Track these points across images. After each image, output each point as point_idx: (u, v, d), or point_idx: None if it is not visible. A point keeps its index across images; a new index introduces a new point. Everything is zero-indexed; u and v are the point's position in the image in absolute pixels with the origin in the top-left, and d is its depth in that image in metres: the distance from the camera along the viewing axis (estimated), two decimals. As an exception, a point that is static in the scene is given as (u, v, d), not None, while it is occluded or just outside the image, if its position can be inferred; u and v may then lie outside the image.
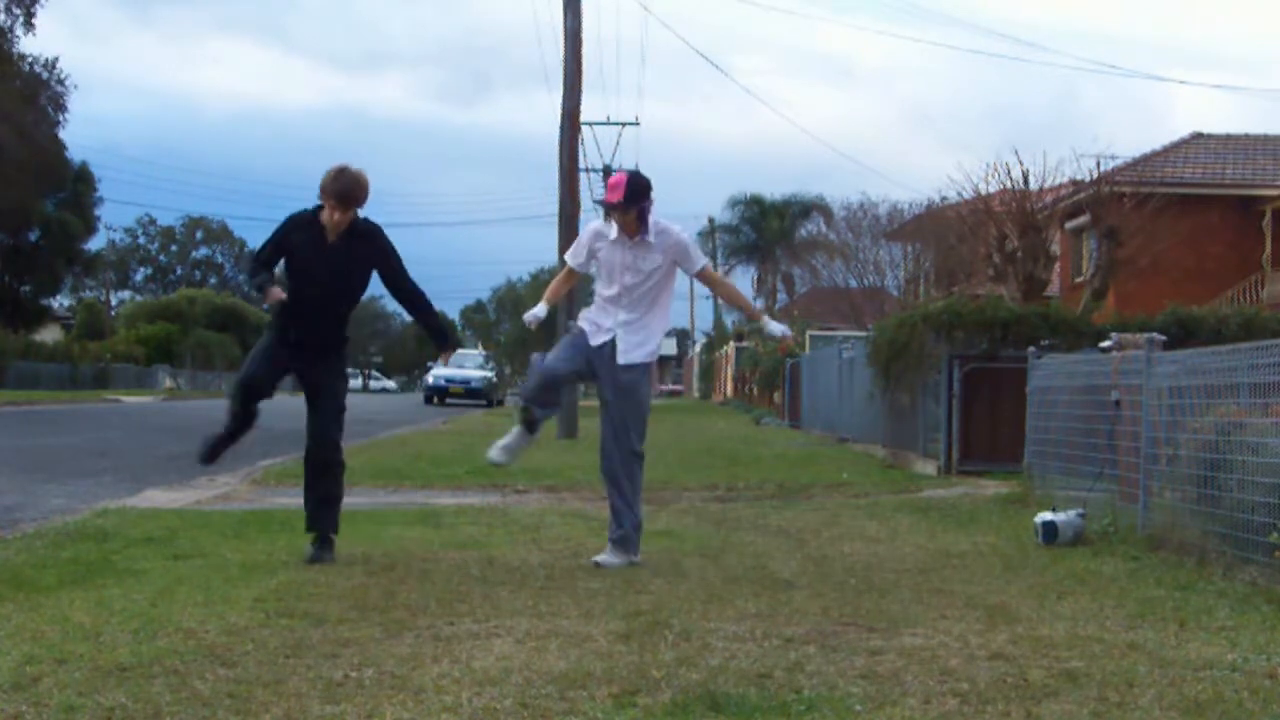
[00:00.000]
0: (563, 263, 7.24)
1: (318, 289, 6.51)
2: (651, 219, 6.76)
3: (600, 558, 6.58)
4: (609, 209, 6.75)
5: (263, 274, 6.58)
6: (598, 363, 6.75)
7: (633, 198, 6.65)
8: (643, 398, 6.81)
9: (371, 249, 6.59)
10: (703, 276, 7.13)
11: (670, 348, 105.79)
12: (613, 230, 6.79)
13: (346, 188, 6.38)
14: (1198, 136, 30.72)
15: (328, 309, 6.61)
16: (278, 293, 6.50)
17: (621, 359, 6.72)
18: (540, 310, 7.04)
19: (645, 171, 7.17)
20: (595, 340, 6.77)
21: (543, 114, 66.66)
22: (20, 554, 6.46)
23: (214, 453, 6.90)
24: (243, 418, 6.74)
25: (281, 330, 6.65)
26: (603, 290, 6.89)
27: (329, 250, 6.48)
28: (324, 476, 6.62)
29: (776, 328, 7.53)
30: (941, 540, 7.78)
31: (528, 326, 7.30)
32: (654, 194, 6.78)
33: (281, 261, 6.64)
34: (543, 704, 3.73)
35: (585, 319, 6.88)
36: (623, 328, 6.74)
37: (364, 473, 11.50)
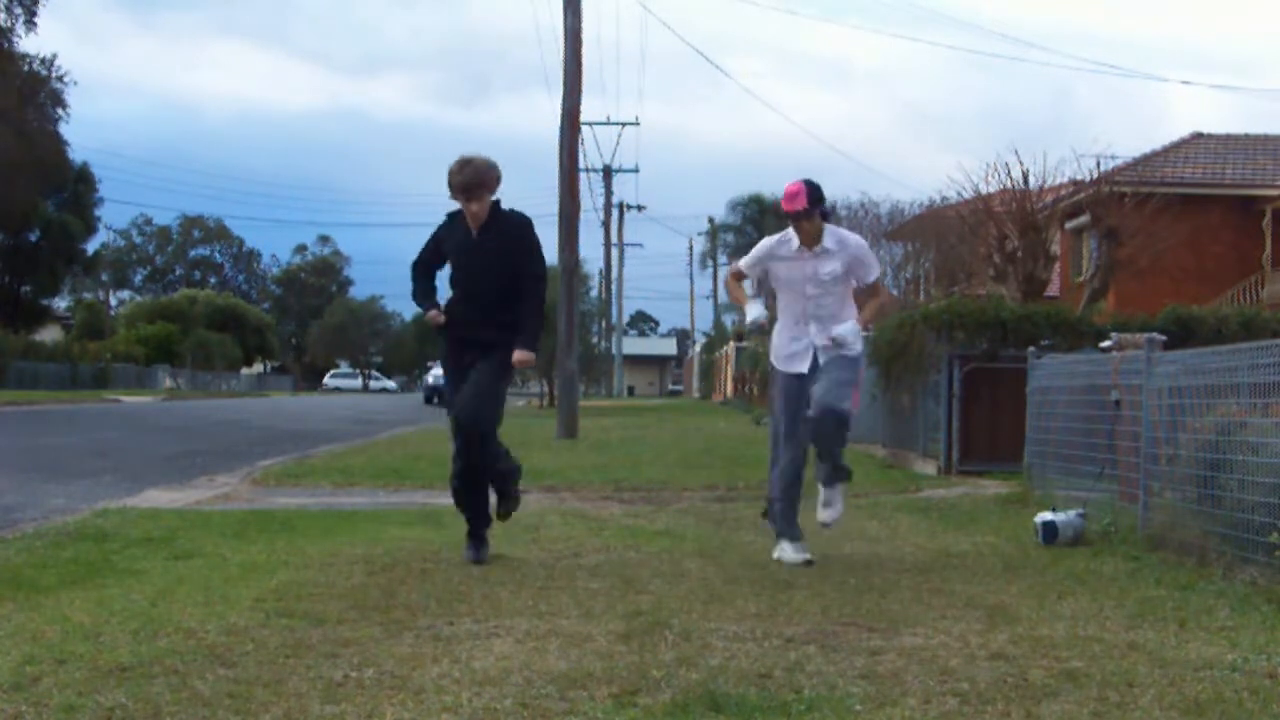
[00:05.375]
0: (714, 272, 7.38)
1: (470, 285, 6.56)
2: (828, 227, 6.80)
3: (823, 516, 6.91)
4: (793, 219, 6.71)
5: (426, 300, 6.68)
6: (811, 379, 6.81)
7: (815, 201, 6.67)
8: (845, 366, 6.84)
9: (510, 240, 6.53)
10: (873, 287, 7.11)
11: (670, 348, 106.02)
12: (792, 242, 6.80)
13: (469, 180, 6.42)
14: (1198, 136, 30.72)
15: (480, 304, 6.54)
16: (438, 317, 6.60)
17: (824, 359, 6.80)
18: (761, 313, 6.91)
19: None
20: (802, 367, 6.84)
21: (543, 115, 66.62)
22: (20, 554, 6.47)
23: (479, 503, 6.72)
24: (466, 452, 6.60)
25: (446, 340, 6.66)
26: (788, 309, 6.92)
27: (475, 245, 6.52)
28: (469, 454, 6.51)
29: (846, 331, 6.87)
30: (941, 540, 7.78)
31: (753, 333, 7.28)
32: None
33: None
34: (543, 704, 3.73)
35: (779, 357, 6.92)
36: (819, 338, 6.81)
37: (364, 473, 11.48)
